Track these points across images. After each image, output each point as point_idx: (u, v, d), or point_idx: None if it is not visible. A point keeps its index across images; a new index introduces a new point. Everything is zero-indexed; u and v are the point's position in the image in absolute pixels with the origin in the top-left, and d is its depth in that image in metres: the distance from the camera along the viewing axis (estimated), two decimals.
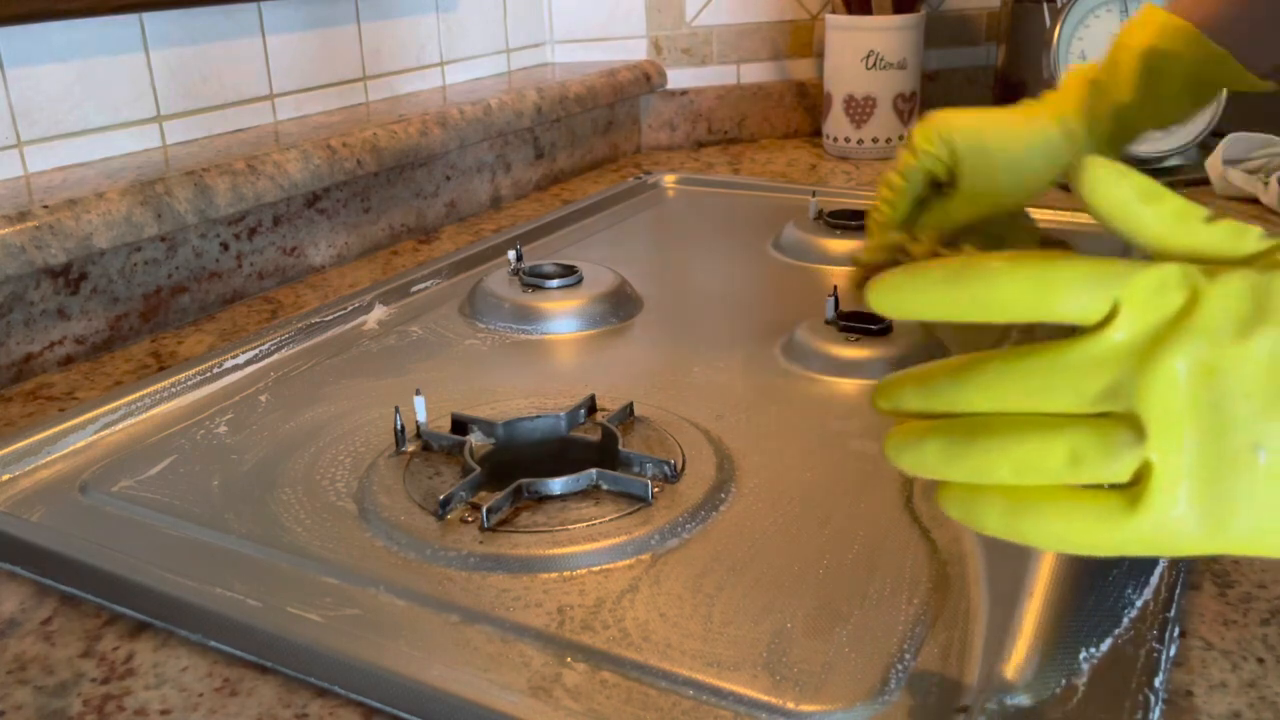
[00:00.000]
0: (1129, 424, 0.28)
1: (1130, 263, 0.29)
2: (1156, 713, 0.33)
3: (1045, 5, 0.99)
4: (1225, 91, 0.96)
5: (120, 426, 0.56)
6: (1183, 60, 0.60)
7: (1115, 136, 0.62)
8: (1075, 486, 0.29)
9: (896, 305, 0.31)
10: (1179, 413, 0.28)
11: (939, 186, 0.64)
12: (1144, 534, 0.28)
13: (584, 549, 0.42)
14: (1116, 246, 0.34)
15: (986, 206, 0.62)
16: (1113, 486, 0.29)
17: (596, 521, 0.44)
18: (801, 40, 1.27)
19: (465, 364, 0.63)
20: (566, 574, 0.41)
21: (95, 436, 0.55)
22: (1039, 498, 0.30)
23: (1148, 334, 0.28)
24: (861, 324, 0.62)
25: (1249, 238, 0.30)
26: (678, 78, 1.25)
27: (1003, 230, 0.64)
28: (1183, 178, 0.96)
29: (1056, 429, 0.29)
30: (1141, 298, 0.28)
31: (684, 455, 0.49)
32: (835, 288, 0.64)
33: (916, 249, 0.63)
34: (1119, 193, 0.31)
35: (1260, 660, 0.36)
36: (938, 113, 0.63)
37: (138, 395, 0.58)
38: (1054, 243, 0.67)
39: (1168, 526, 0.28)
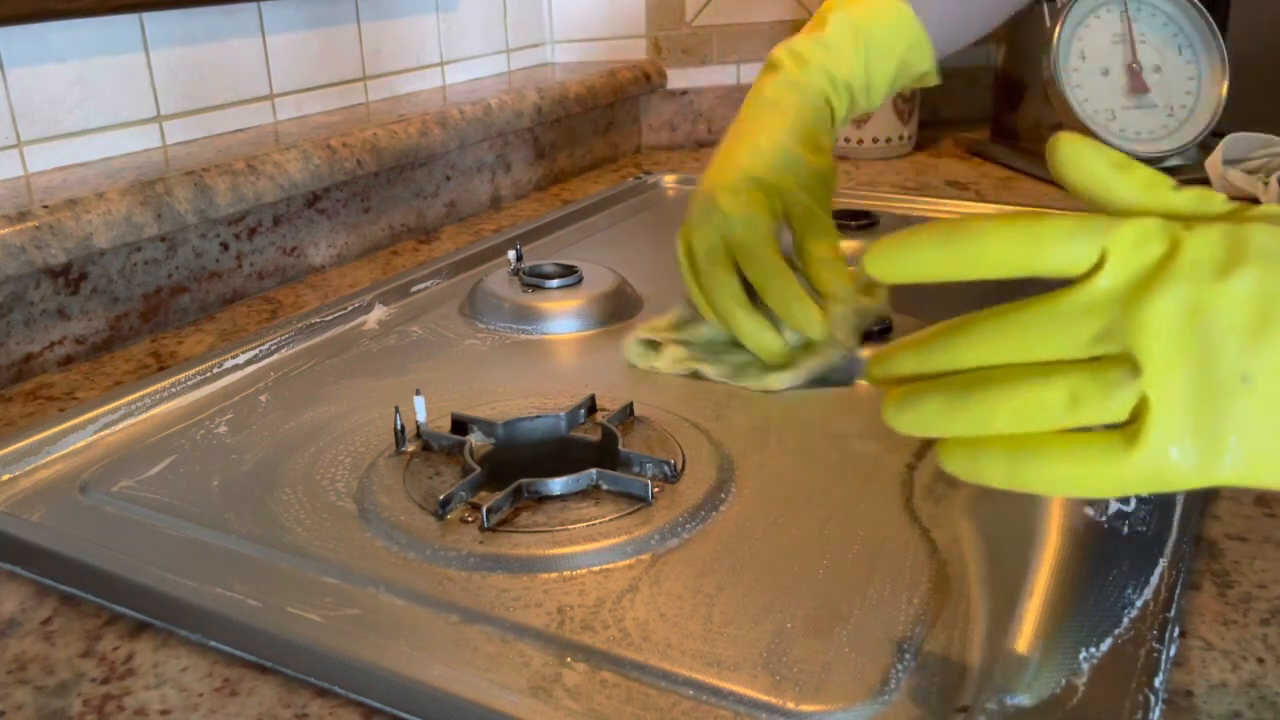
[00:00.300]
0: (1124, 363, 0.29)
1: (1112, 217, 0.31)
2: (1156, 713, 0.33)
3: (1045, 5, 0.99)
4: (1225, 91, 0.96)
5: (120, 426, 0.56)
6: (899, 44, 0.62)
7: (848, 113, 0.63)
8: (1073, 432, 0.31)
9: (892, 269, 0.33)
10: (1171, 349, 0.29)
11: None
12: (1144, 470, 0.30)
13: (584, 549, 0.42)
14: None
15: (829, 195, 0.61)
16: (1109, 430, 0.30)
17: (596, 521, 0.44)
18: None
19: (465, 364, 0.63)
20: (566, 574, 0.41)
21: (95, 436, 0.55)
22: (1040, 444, 0.31)
23: (1134, 279, 0.30)
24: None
25: (1215, 201, 0.32)
26: (678, 78, 1.25)
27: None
28: (1182, 178, 0.95)
29: (1054, 373, 0.30)
30: (1126, 246, 0.30)
31: (684, 455, 0.49)
32: None
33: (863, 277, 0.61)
34: (1092, 163, 0.33)
35: (1260, 660, 0.36)
36: (725, 196, 0.58)
37: (138, 395, 0.58)
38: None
39: (1166, 461, 0.29)
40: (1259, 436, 0.29)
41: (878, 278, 0.33)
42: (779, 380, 0.56)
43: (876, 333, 0.61)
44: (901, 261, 0.32)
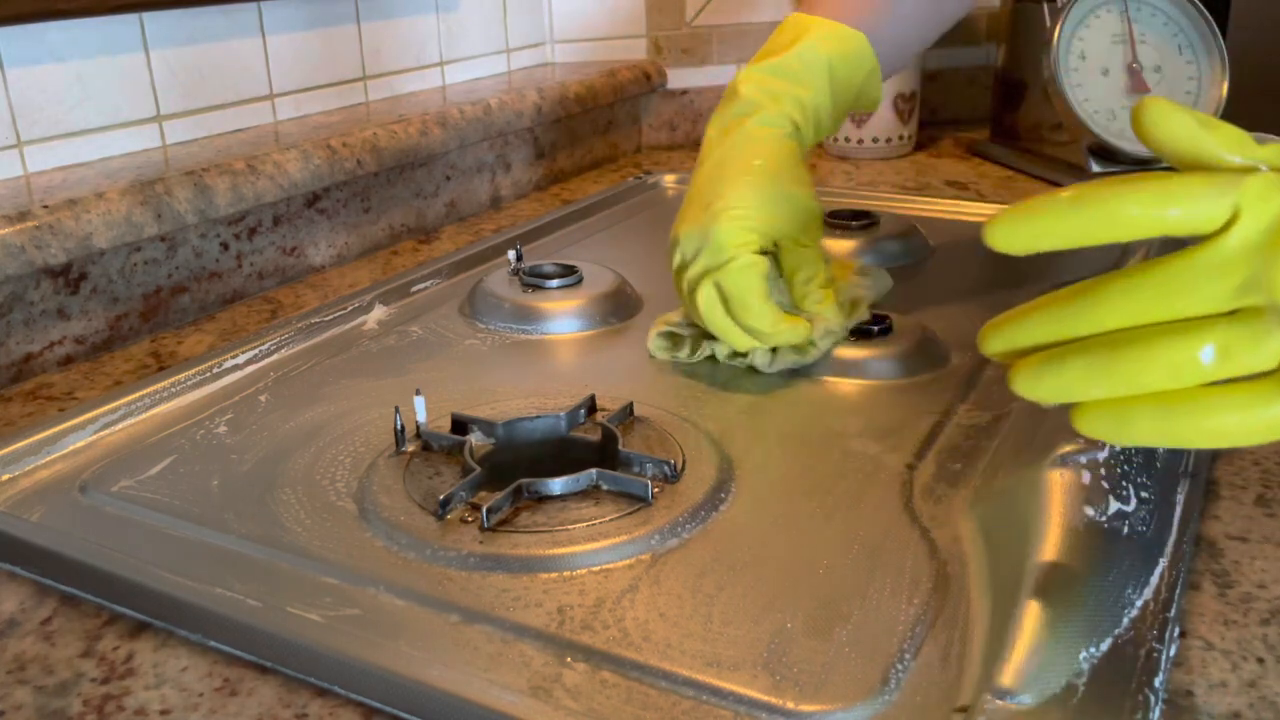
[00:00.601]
0: (1271, 312, 0.30)
1: (1233, 173, 0.31)
2: (1156, 713, 0.33)
3: (1045, 5, 0.99)
4: (1225, 91, 0.96)
5: (120, 426, 0.56)
6: (859, 75, 0.63)
7: (814, 139, 0.64)
8: (1216, 385, 0.31)
9: (1016, 240, 0.33)
10: None
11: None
12: None
13: (584, 549, 0.42)
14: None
15: (816, 225, 0.62)
16: (1248, 380, 0.31)
17: (596, 521, 0.44)
18: None
19: (465, 364, 0.63)
20: (566, 574, 0.41)
21: (95, 436, 0.55)
22: (1190, 398, 0.32)
23: (1268, 230, 0.30)
24: (861, 324, 0.61)
25: None
26: (678, 78, 1.25)
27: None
28: None
29: (1199, 328, 0.31)
30: (1255, 199, 0.31)
31: (684, 455, 0.49)
32: None
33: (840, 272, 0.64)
34: (1182, 122, 0.33)
35: (1260, 660, 0.36)
36: (726, 229, 0.58)
37: (138, 395, 0.58)
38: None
39: None
40: None
41: (1001, 250, 0.33)
42: (811, 353, 0.59)
43: (876, 331, 0.61)
44: (1028, 232, 0.32)
